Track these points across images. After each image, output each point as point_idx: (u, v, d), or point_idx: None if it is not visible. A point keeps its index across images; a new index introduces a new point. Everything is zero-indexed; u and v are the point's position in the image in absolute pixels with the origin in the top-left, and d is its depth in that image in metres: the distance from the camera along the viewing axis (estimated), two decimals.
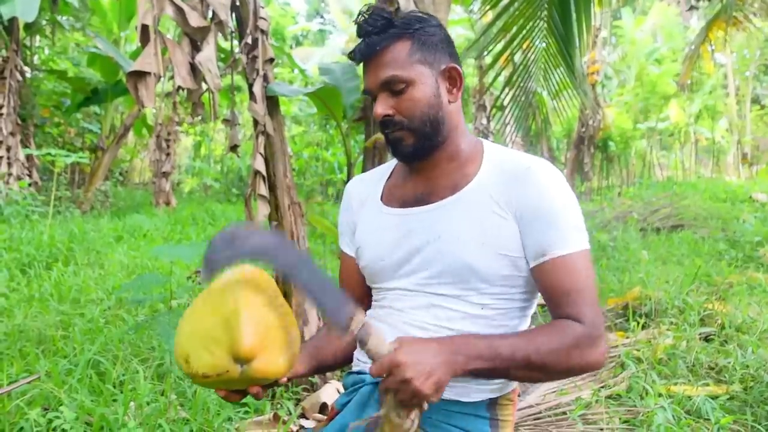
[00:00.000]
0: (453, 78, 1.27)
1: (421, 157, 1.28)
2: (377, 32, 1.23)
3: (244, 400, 2.85)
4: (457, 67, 1.27)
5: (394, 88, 1.22)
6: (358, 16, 1.25)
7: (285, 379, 1.18)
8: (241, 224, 1.11)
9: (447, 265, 1.22)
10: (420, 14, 1.27)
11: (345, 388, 1.37)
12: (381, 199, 1.38)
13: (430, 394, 1.03)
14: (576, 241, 1.18)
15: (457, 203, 1.24)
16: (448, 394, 1.22)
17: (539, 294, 1.26)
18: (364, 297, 1.43)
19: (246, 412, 2.89)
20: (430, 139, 1.25)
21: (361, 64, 1.28)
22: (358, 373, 1.34)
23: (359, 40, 1.26)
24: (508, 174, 1.22)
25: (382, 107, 1.24)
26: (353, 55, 1.27)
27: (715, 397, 2.88)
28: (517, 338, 1.14)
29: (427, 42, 1.24)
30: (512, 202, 1.20)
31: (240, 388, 1.17)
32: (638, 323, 4.00)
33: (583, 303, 1.15)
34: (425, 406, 1.06)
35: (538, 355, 1.11)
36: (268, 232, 1.12)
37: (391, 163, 1.45)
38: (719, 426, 2.56)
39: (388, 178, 1.42)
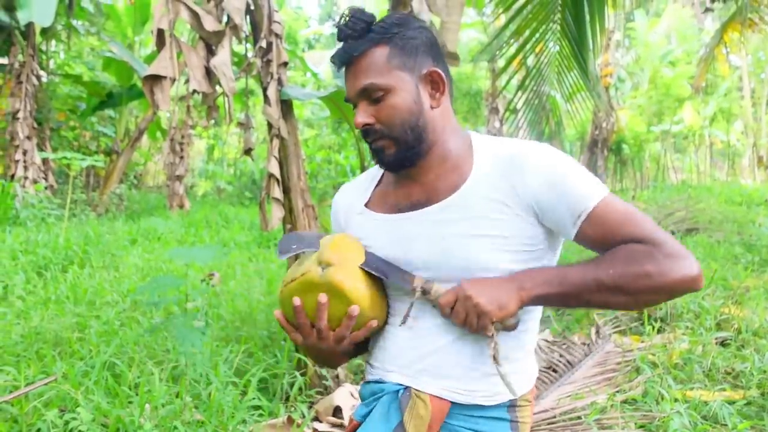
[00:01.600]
0: (435, 82, 1.24)
1: (404, 166, 1.25)
2: (356, 37, 1.21)
3: (258, 403, 2.88)
4: (439, 70, 1.23)
5: (373, 95, 1.20)
6: (339, 19, 1.24)
7: (375, 323, 1.22)
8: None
9: (455, 266, 1.19)
10: (401, 17, 1.24)
11: (362, 399, 1.34)
12: (367, 205, 1.35)
13: (492, 311, 1.11)
14: (598, 190, 1.16)
15: (458, 202, 1.21)
16: (471, 398, 1.21)
17: None
18: None
19: (260, 415, 2.90)
20: (412, 148, 1.22)
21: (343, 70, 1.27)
22: (377, 382, 1.31)
23: (340, 46, 1.25)
24: (503, 165, 1.20)
25: (361, 116, 1.22)
26: (334, 60, 1.25)
27: (732, 402, 2.86)
28: (584, 264, 1.15)
29: (406, 46, 1.21)
30: (517, 193, 1.17)
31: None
32: (653, 327, 3.97)
33: (643, 227, 1.14)
34: (491, 330, 1.14)
35: (609, 276, 1.10)
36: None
37: (373, 171, 1.42)
38: (736, 431, 2.54)
39: (378, 183, 1.38)
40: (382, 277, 1.22)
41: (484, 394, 1.21)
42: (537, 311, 1.28)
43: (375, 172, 1.41)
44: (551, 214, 1.17)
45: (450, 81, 1.27)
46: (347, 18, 1.22)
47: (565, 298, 1.14)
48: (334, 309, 1.17)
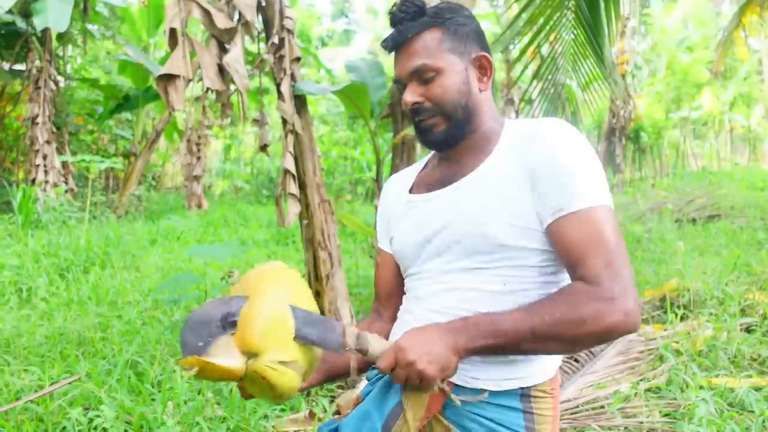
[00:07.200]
0: (483, 67, 1.29)
1: (451, 144, 1.29)
2: (409, 20, 1.26)
3: None
4: (488, 56, 1.29)
5: (424, 76, 1.25)
6: (392, 6, 1.29)
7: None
8: (207, 302, 1.15)
9: (464, 237, 1.21)
10: (452, 5, 1.29)
11: (368, 380, 1.38)
12: (410, 190, 1.40)
13: (435, 375, 1.07)
14: (591, 196, 1.12)
15: (475, 178, 1.24)
16: (476, 383, 1.20)
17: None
18: (396, 294, 1.44)
19: (282, 410, 2.91)
20: (461, 126, 1.27)
21: (391, 55, 1.32)
22: None
23: (392, 30, 1.29)
24: (522, 140, 1.22)
25: (411, 95, 1.26)
26: (386, 44, 1.30)
27: (759, 389, 2.82)
28: (521, 311, 1.10)
29: (458, 32, 1.26)
30: (523, 164, 1.18)
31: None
32: (676, 315, 3.93)
33: (598, 260, 1.08)
34: (436, 388, 1.10)
35: (545, 325, 1.07)
36: (236, 298, 1.15)
37: (425, 158, 1.48)
38: (764, 418, 2.50)
39: (422, 170, 1.44)
40: (316, 346, 1.15)
41: (488, 378, 1.20)
42: (561, 284, 1.25)
43: (419, 163, 1.48)
44: (537, 192, 1.16)
45: (493, 69, 1.31)
46: (400, 3, 1.27)
47: (501, 349, 1.11)
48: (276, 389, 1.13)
